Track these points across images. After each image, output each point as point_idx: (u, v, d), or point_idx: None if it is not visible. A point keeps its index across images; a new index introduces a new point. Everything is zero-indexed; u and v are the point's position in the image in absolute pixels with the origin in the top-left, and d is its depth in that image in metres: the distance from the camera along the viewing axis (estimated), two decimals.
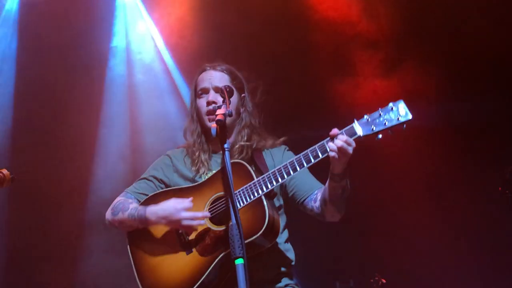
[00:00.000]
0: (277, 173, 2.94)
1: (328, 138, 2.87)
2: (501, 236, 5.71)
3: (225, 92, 2.99)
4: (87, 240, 6.05)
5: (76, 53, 6.09)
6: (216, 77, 3.28)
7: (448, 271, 5.76)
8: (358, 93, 5.99)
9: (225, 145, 2.71)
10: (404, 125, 2.80)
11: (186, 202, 3.01)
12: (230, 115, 2.81)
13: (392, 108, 2.80)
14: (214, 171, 3.17)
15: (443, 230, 5.84)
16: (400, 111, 2.78)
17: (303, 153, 2.93)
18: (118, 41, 6.40)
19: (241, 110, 3.31)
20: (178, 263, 3.03)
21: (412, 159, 6.00)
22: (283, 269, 3.15)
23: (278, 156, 3.27)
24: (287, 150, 3.34)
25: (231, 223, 2.61)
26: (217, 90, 3.22)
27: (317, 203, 3.12)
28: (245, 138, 3.26)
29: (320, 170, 3.10)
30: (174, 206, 3.00)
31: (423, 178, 6.02)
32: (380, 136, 2.82)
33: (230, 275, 2.91)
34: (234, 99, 3.21)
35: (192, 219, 2.97)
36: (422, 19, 5.85)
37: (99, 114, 6.30)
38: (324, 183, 3.06)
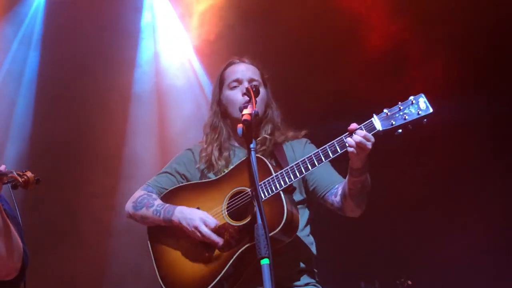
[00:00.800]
0: (295, 168, 2.93)
1: (347, 133, 2.83)
2: None
3: (251, 91, 2.97)
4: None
5: (102, 59, 6.14)
6: (249, 70, 3.29)
7: (477, 273, 5.66)
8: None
9: (251, 145, 2.68)
10: (425, 120, 2.74)
11: (212, 221, 3.00)
12: (256, 115, 2.78)
13: (412, 102, 2.75)
14: (234, 165, 3.16)
15: (472, 231, 5.73)
16: (421, 105, 2.73)
17: (322, 148, 2.91)
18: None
19: (269, 104, 3.31)
20: (197, 258, 3.05)
21: (441, 158, 5.91)
22: (303, 265, 3.11)
23: (299, 149, 3.26)
24: (309, 143, 3.31)
25: (257, 224, 2.57)
26: (251, 81, 3.23)
27: (338, 198, 3.09)
28: (269, 132, 3.25)
29: (342, 162, 3.04)
30: (198, 215, 3.02)
31: (454, 176, 5.90)
32: (400, 131, 2.77)
33: (250, 270, 2.92)
34: (262, 94, 3.20)
35: (208, 237, 2.98)
36: None
37: (126, 124, 6.37)
38: (345, 176, 3.01)
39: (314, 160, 2.90)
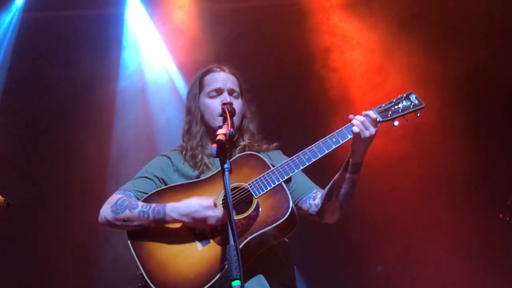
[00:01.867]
0: (296, 160, 2.96)
1: (349, 124, 2.93)
2: None
3: (227, 112, 3.01)
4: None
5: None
6: (229, 79, 3.27)
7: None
8: None
9: (225, 165, 2.65)
10: (418, 114, 2.95)
11: (210, 200, 2.91)
12: (231, 135, 2.77)
13: (404, 98, 2.96)
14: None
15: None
16: (413, 100, 2.95)
17: (322, 140, 2.96)
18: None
19: (245, 114, 3.31)
20: (194, 255, 2.91)
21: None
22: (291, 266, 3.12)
23: (275, 158, 3.24)
24: (283, 154, 3.32)
25: (229, 244, 2.54)
26: (231, 92, 3.22)
27: (317, 201, 3.12)
28: (246, 141, 3.26)
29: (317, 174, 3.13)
30: (199, 203, 2.91)
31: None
32: (397, 123, 2.94)
33: (253, 261, 2.88)
34: (241, 103, 3.25)
35: (218, 219, 2.89)
36: None
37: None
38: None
39: (316, 151, 2.95)
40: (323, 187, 3.17)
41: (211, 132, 3.17)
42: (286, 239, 3.12)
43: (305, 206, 3.16)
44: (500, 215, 4.97)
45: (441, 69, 5.77)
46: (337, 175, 3.03)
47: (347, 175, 2.99)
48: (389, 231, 5.78)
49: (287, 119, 6.03)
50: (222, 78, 3.26)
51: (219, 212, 2.91)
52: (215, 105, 3.20)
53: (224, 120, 3.00)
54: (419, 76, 5.73)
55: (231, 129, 2.81)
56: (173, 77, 6.34)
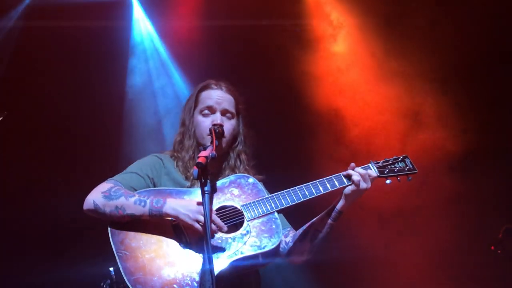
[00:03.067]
0: (292, 194, 3.00)
1: (348, 171, 3.02)
2: None
3: (213, 133, 2.99)
4: None
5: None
6: (225, 99, 3.22)
7: None
8: None
9: (206, 188, 2.63)
10: (410, 177, 3.14)
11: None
12: (213, 158, 2.75)
13: (400, 160, 3.15)
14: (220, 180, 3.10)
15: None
16: (408, 164, 3.15)
17: (319, 180, 3.03)
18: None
19: (239, 134, 3.27)
20: (176, 262, 2.84)
21: None
22: None
23: None
24: (265, 188, 3.27)
25: (204, 269, 2.53)
26: (224, 113, 3.19)
27: (289, 239, 3.13)
28: (238, 164, 3.23)
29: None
30: (198, 206, 2.83)
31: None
32: (389, 181, 3.09)
33: (231, 279, 2.86)
34: (235, 124, 3.22)
35: (218, 225, 2.85)
36: None
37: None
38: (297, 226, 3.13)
39: (312, 189, 3.01)
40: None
41: (199, 146, 3.14)
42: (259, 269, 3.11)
43: None
44: (492, 248, 4.95)
45: None
46: (316, 219, 3.08)
47: (329, 221, 3.05)
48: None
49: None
50: (217, 97, 3.21)
51: (219, 222, 2.87)
52: (205, 124, 3.16)
53: (211, 141, 2.98)
54: None
55: (214, 152, 2.78)
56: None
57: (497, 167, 5.51)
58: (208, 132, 3.10)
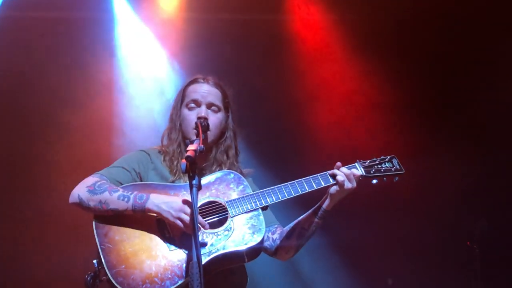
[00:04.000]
0: (277, 191, 3.00)
1: (330, 171, 3.02)
2: None
3: (199, 127, 2.97)
4: None
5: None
6: (210, 93, 3.18)
7: None
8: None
9: (194, 182, 2.62)
10: (397, 178, 3.12)
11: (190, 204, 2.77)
12: (201, 151, 2.74)
13: (387, 160, 3.14)
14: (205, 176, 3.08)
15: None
16: (395, 164, 3.14)
17: (304, 178, 3.02)
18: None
19: (226, 129, 3.25)
20: (158, 257, 2.83)
21: None
22: None
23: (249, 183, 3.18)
24: (253, 183, 3.28)
25: (191, 261, 2.53)
26: (209, 106, 3.17)
27: (276, 236, 3.15)
28: (224, 159, 3.21)
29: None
30: (186, 202, 2.82)
31: None
32: (375, 181, 3.09)
33: (211, 280, 2.80)
34: (221, 117, 3.19)
35: (200, 224, 2.82)
36: None
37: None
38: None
39: (298, 187, 3.00)
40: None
41: (185, 141, 3.12)
42: (245, 265, 3.10)
43: None
44: (468, 243, 5.03)
45: None
46: (303, 217, 3.10)
47: (315, 219, 3.07)
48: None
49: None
50: (203, 91, 3.19)
51: (200, 219, 2.87)
52: (191, 117, 3.14)
53: (198, 135, 2.97)
54: None
55: (202, 145, 2.77)
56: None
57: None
58: (193, 125, 3.08)
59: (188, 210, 2.81)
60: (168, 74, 6.23)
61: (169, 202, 2.85)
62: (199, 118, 3.08)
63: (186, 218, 2.80)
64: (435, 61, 5.93)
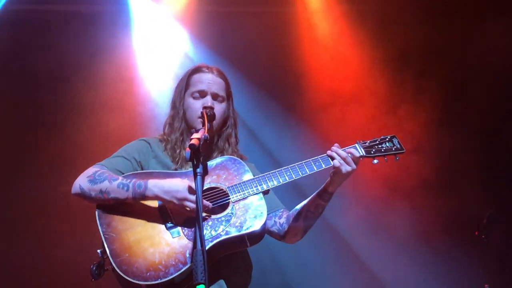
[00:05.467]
0: (278, 174, 2.99)
1: (331, 153, 2.99)
2: None
3: (205, 116, 2.97)
4: None
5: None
6: (215, 83, 3.18)
7: None
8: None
9: (198, 170, 2.61)
10: (397, 157, 3.10)
11: (192, 184, 2.79)
12: (206, 140, 2.73)
13: (388, 140, 3.11)
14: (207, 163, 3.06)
15: None
16: (396, 144, 3.11)
17: (305, 161, 3.00)
18: None
19: (228, 118, 3.25)
20: (161, 244, 2.83)
21: None
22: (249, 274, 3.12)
23: (250, 169, 3.15)
24: (256, 168, 3.26)
25: (196, 248, 2.51)
26: (215, 96, 3.15)
27: (283, 220, 3.15)
28: (226, 146, 3.22)
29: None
30: (182, 184, 2.82)
31: None
32: (376, 161, 3.06)
33: (215, 264, 2.84)
34: (225, 107, 3.19)
35: (204, 205, 2.80)
36: None
37: None
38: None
39: (298, 170, 2.99)
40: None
41: (191, 130, 3.08)
42: (247, 249, 3.08)
43: (269, 222, 3.14)
44: (476, 233, 4.98)
45: None
46: (308, 200, 3.09)
47: (321, 202, 3.05)
48: None
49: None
50: (208, 81, 3.17)
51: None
52: (196, 106, 3.13)
53: (203, 124, 2.97)
54: None
55: (207, 134, 2.76)
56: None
57: None
58: (199, 114, 3.08)
59: (190, 197, 2.80)
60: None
61: (170, 191, 2.82)
62: (205, 107, 3.07)
63: (190, 204, 2.80)
64: None
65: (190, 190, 2.81)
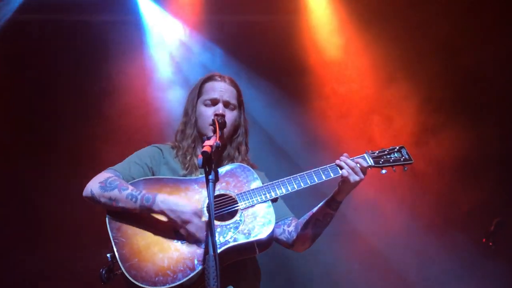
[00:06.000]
0: (286, 183, 3.00)
1: (340, 162, 3.01)
2: None
3: (217, 123, 2.99)
4: None
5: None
6: (227, 91, 3.20)
7: None
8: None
9: (210, 177, 2.64)
10: (406, 167, 3.13)
11: (198, 208, 2.87)
12: (218, 147, 2.77)
13: (396, 150, 3.14)
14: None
15: None
16: (404, 154, 3.14)
17: (313, 170, 3.02)
18: None
19: (239, 126, 3.27)
20: (170, 249, 2.85)
21: None
22: (257, 280, 3.13)
23: (260, 178, 3.16)
24: (267, 177, 3.28)
25: (208, 254, 2.56)
26: (226, 104, 3.18)
27: (292, 228, 3.15)
28: (236, 154, 3.23)
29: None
30: (189, 206, 2.85)
31: None
32: (385, 171, 3.09)
33: (224, 270, 2.83)
34: (236, 115, 3.22)
35: (198, 227, 2.83)
36: None
37: None
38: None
39: (307, 178, 3.01)
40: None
41: (202, 137, 3.14)
42: (256, 256, 3.10)
43: (278, 230, 3.15)
44: (484, 240, 4.97)
45: None
46: (317, 208, 3.09)
47: (329, 210, 3.06)
48: None
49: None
50: (220, 89, 3.20)
51: (202, 222, 2.87)
52: (208, 113, 3.16)
53: (214, 131, 2.99)
54: None
55: (219, 141, 2.80)
56: None
57: None
58: (210, 122, 3.10)
59: (194, 220, 2.84)
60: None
61: (176, 211, 2.85)
62: (216, 115, 3.10)
63: (191, 229, 2.84)
64: None
65: (196, 214, 2.85)
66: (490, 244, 4.92)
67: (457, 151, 5.62)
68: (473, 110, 5.76)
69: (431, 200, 5.77)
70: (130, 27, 6.20)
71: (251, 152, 3.33)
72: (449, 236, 5.58)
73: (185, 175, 3.11)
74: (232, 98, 3.22)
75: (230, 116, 3.19)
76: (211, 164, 2.67)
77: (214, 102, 3.18)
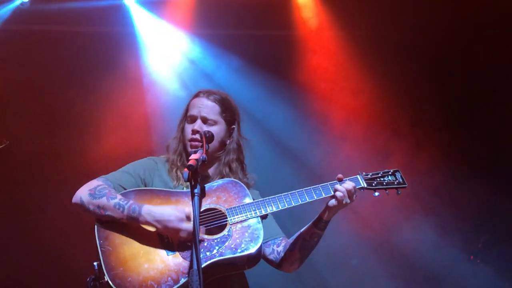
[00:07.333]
0: (277, 200, 2.99)
1: (334, 182, 2.99)
2: None
3: (203, 137, 2.97)
4: None
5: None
6: (206, 107, 3.17)
7: None
8: None
9: (195, 190, 2.62)
10: (399, 191, 3.09)
11: (183, 213, 2.83)
12: (204, 160, 2.74)
13: (390, 174, 3.11)
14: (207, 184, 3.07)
15: None
16: (398, 178, 3.12)
17: (305, 189, 3.00)
18: None
19: (228, 141, 3.22)
20: (156, 261, 2.83)
21: None
22: None
23: (253, 196, 3.15)
24: (261, 196, 3.23)
25: (192, 269, 2.53)
26: (204, 120, 3.15)
27: (280, 248, 3.11)
28: (227, 171, 3.20)
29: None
30: (174, 214, 2.82)
31: None
32: (377, 194, 3.05)
33: (212, 281, 2.83)
34: (221, 130, 3.17)
35: (189, 233, 2.80)
36: None
37: None
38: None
39: (298, 197, 2.99)
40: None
41: (186, 152, 3.17)
42: (244, 272, 3.07)
43: (267, 249, 3.12)
44: (472, 257, 4.96)
45: None
46: (304, 229, 3.06)
47: (316, 230, 3.02)
48: None
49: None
50: (200, 105, 3.18)
51: (191, 226, 2.81)
52: (188, 130, 3.17)
53: (192, 147, 3.05)
54: None
55: (205, 155, 2.78)
56: None
57: None
58: (189, 138, 3.13)
59: (183, 226, 2.81)
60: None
61: (162, 221, 2.83)
62: (192, 131, 3.12)
63: (179, 225, 2.81)
64: None
65: (182, 220, 2.82)
66: (478, 261, 4.90)
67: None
68: None
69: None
70: (124, 37, 6.24)
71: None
72: None
73: (175, 187, 3.10)
74: (211, 114, 3.17)
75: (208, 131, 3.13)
76: (197, 177, 2.65)
77: (193, 119, 3.19)
